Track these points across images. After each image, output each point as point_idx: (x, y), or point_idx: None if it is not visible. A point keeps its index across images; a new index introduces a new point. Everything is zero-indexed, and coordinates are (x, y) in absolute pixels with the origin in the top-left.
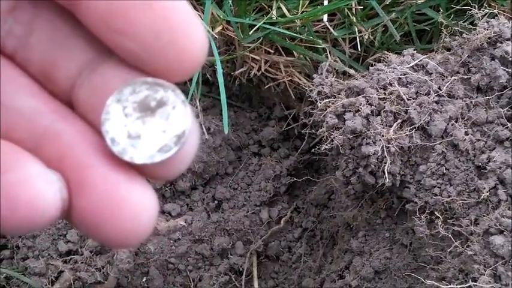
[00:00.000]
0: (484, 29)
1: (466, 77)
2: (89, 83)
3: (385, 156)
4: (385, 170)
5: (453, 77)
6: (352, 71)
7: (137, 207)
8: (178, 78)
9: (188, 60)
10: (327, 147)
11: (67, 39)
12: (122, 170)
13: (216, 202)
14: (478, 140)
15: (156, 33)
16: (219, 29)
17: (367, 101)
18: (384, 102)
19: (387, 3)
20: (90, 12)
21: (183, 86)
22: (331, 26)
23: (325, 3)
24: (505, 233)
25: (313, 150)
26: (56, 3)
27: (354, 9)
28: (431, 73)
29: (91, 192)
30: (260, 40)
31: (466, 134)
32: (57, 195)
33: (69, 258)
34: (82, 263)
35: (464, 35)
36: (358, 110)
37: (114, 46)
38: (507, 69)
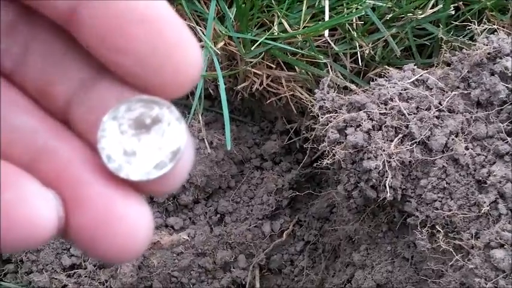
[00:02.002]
0: (484, 44)
1: (466, 92)
2: (85, 101)
3: (386, 171)
4: (387, 184)
5: (453, 92)
6: (353, 86)
7: (133, 223)
8: (174, 94)
9: (184, 76)
10: (328, 161)
11: (63, 58)
12: (118, 187)
13: (218, 216)
14: (478, 154)
15: (152, 49)
16: (221, 44)
17: (368, 116)
18: (385, 117)
19: (388, 18)
20: (87, 30)
21: (186, 101)
22: (332, 41)
23: (327, 18)
24: (505, 246)
25: (315, 164)
26: (52, 21)
27: (354, 24)
28: (431, 88)
29: (87, 209)
30: (262, 55)
31: (467, 148)
32: (53, 213)
33: (72, 272)
34: (86, 277)
35: (464, 50)
36: (360, 125)
37: (111, 63)
38: (507, 85)
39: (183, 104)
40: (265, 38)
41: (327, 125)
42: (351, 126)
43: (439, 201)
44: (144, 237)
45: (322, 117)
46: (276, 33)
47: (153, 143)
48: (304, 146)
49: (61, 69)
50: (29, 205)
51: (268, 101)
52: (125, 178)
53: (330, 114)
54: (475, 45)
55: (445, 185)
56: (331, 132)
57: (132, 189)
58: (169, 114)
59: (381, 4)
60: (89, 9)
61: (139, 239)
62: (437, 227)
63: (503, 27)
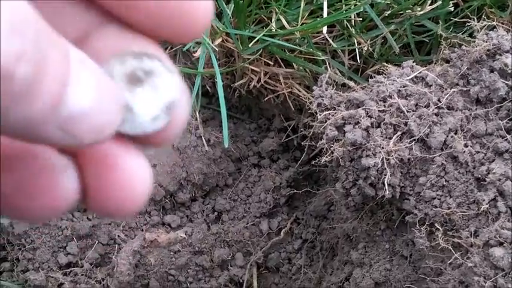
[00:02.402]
0: (483, 41)
1: (465, 89)
2: (90, 49)
3: (385, 168)
4: (385, 182)
5: (452, 89)
6: (351, 83)
7: (134, 176)
8: (184, 41)
9: (194, 26)
10: (327, 159)
11: (67, 6)
12: (118, 142)
13: (216, 214)
14: (478, 152)
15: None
16: (218, 41)
17: (367, 113)
18: (384, 115)
19: (386, 15)
20: None
21: None
22: (330, 37)
23: (325, 15)
24: (504, 244)
25: (312, 161)
26: None
27: (353, 21)
28: (430, 85)
29: (105, 171)
30: (260, 52)
31: (466, 146)
32: (74, 183)
33: (69, 270)
34: (82, 275)
35: (463, 47)
36: (358, 122)
37: (121, 16)
38: (506, 82)
39: None
40: (263, 35)
41: (325, 122)
42: (350, 123)
43: (438, 199)
44: (144, 188)
45: (320, 115)
46: (274, 30)
47: (147, 97)
48: (302, 143)
49: (64, 17)
50: (50, 174)
51: (266, 98)
52: (123, 132)
53: (328, 112)
54: (474, 42)
55: (444, 183)
56: (330, 129)
57: (130, 143)
58: (162, 67)
59: (379, 1)
60: None
61: (140, 191)
62: (436, 225)
63: (503, 23)
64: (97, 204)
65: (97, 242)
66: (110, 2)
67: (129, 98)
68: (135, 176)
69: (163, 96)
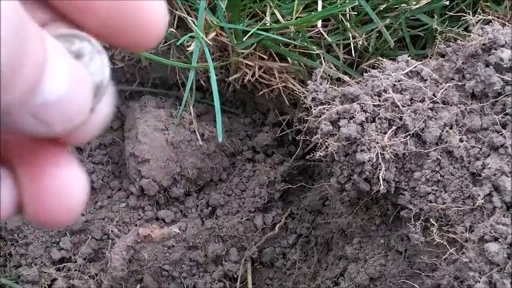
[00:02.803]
0: (479, 35)
1: (460, 83)
2: None
3: (380, 163)
4: (380, 177)
5: (448, 84)
6: (346, 77)
7: (70, 185)
8: (139, 50)
9: (148, 35)
10: (321, 154)
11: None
12: (54, 151)
13: (210, 209)
14: (473, 146)
15: (115, 10)
16: (212, 35)
17: (362, 108)
18: (379, 109)
19: (381, 8)
20: None
21: (177, 92)
22: (325, 31)
23: (319, 9)
24: (500, 240)
25: (307, 156)
26: None
27: (348, 15)
28: (425, 80)
29: (41, 179)
30: (254, 46)
31: (461, 140)
32: (10, 191)
33: (62, 265)
34: (75, 270)
35: (458, 41)
36: (353, 117)
37: (78, 23)
38: (502, 76)
39: (174, 95)
40: (258, 29)
41: (320, 116)
42: (344, 118)
43: (433, 194)
44: (80, 197)
45: (315, 109)
46: (268, 24)
47: None
48: (297, 138)
49: None
50: None
51: (261, 93)
52: None
53: (323, 106)
54: (469, 36)
55: (439, 178)
56: (324, 124)
57: (65, 150)
58: (91, 48)
59: None
60: None
61: (75, 200)
62: (431, 220)
63: (498, 17)
64: (33, 214)
65: (90, 237)
66: (62, 4)
67: None
68: (71, 185)
69: (93, 77)
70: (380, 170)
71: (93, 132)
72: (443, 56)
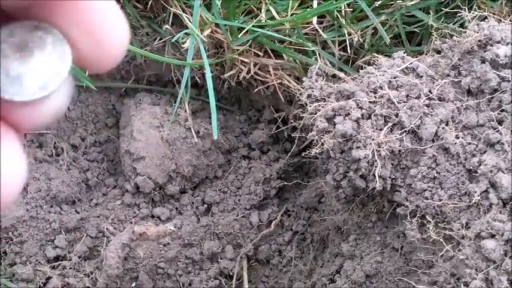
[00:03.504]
0: (474, 31)
1: (456, 80)
2: None
3: (376, 160)
4: (376, 174)
5: (444, 80)
6: (342, 74)
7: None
8: (99, 71)
9: (107, 55)
10: (317, 151)
11: None
12: None
13: (205, 206)
14: (469, 143)
15: (75, 28)
16: (207, 31)
17: (358, 105)
18: (374, 106)
19: (377, 5)
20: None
21: (172, 89)
22: (320, 28)
23: (315, 5)
24: (496, 236)
25: (303, 153)
26: None
27: (343, 11)
28: (421, 76)
29: None
30: (249, 43)
31: (457, 137)
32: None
33: (57, 264)
34: (70, 268)
35: (454, 38)
36: (349, 114)
37: None
38: (498, 72)
39: (169, 92)
40: (253, 26)
41: (316, 113)
42: (340, 115)
43: (429, 190)
44: (15, 184)
45: (310, 106)
46: (264, 21)
47: (37, 66)
48: (292, 135)
49: None
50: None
51: (256, 90)
52: (9, 99)
53: (319, 103)
54: (465, 32)
55: (435, 175)
56: (320, 121)
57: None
58: (53, 38)
59: None
60: None
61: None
62: (427, 217)
63: (494, 14)
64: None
65: (85, 235)
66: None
67: (18, 66)
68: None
69: (52, 66)
70: (376, 166)
71: (45, 120)
72: (439, 52)
